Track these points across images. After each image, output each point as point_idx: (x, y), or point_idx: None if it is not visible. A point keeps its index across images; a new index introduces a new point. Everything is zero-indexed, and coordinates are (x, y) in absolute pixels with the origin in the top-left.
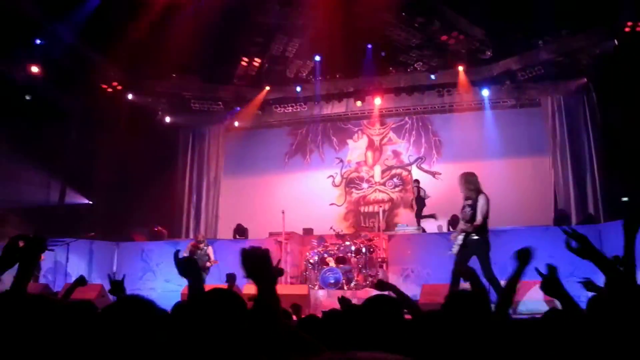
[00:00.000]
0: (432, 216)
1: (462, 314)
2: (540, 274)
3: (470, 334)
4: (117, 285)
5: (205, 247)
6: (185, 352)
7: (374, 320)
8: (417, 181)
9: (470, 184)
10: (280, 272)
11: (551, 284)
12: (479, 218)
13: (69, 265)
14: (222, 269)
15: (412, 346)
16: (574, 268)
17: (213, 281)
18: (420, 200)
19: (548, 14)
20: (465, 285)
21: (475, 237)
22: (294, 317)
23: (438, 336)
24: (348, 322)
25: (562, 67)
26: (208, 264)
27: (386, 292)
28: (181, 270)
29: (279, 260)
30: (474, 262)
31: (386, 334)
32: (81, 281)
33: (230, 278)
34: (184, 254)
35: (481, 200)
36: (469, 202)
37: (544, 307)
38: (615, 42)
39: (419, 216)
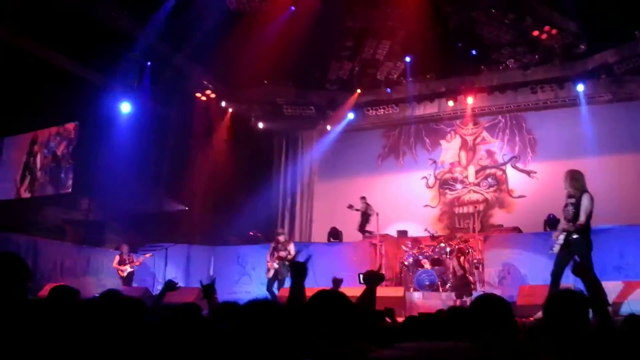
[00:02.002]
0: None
1: (564, 317)
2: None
3: (573, 336)
4: (208, 289)
5: (285, 242)
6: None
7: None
8: (363, 198)
9: (576, 181)
10: (382, 277)
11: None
12: (582, 218)
13: (167, 269)
14: (316, 271)
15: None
16: None
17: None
18: (365, 216)
19: None
20: (565, 285)
21: (577, 237)
22: (388, 320)
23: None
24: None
25: None
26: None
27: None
28: (292, 272)
29: (380, 266)
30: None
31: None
32: (170, 286)
33: (336, 282)
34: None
35: (585, 200)
36: (572, 200)
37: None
38: None
39: (362, 231)
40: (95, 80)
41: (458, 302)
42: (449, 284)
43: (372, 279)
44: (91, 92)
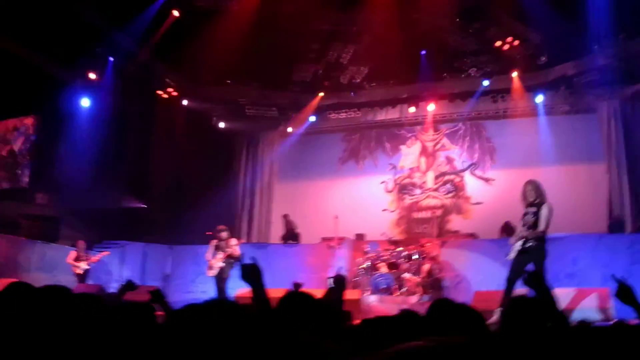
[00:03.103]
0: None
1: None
2: (618, 281)
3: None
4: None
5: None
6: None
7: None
8: (286, 215)
9: (538, 191)
10: (343, 281)
11: (628, 292)
12: (542, 226)
13: (124, 267)
14: (274, 273)
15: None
16: (628, 276)
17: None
18: (290, 232)
19: (605, 19)
20: (518, 291)
21: (534, 244)
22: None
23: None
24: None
25: (618, 72)
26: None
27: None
28: (243, 275)
29: (340, 268)
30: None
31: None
32: (130, 286)
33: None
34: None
35: (545, 210)
36: (533, 209)
37: (598, 316)
38: None
39: (284, 240)
40: (56, 73)
41: (426, 301)
42: (405, 288)
43: (342, 283)
44: (51, 85)
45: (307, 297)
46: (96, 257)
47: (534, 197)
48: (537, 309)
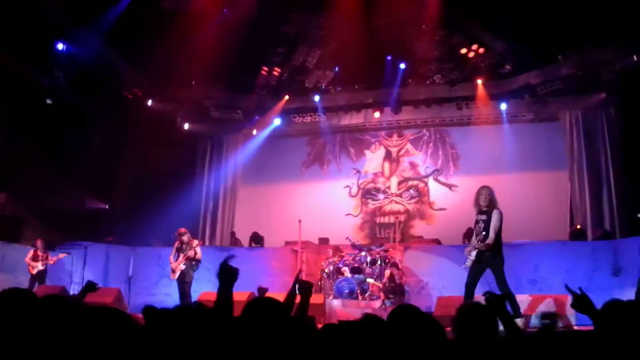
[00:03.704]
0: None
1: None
2: (571, 292)
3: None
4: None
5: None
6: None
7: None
8: (232, 233)
9: (490, 198)
10: (308, 285)
11: (583, 302)
12: (491, 236)
13: (86, 268)
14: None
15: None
16: (589, 283)
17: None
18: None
19: (570, 28)
20: (479, 298)
21: (489, 254)
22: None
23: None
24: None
25: (582, 81)
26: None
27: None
28: (220, 273)
29: (300, 271)
30: (489, 275)
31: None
32: (91, 287)
33: (261, 291)
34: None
35: (495, 216)
36: (483, 217)
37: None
38: (635, 57)
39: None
40: (20, 70)
41: (388, 306)
42: (367, 293)
43: (307, 288)
44: (15, 83)
45: (273, 302)
46: (53, 258)
47: (486, 203)
48: (485, 316)
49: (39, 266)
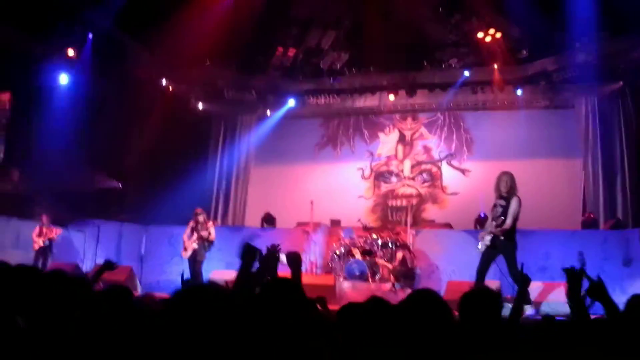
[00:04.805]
0: None
1: (475, 313)
2: (588, 278)
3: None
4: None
5: (204, 222)
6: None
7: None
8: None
9: (510, 184)
10: (297, 256)
11: (599, 289)
12: (508, 221)
13: (99, 247)
14: None
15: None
16: (600, 272)
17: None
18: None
19: (588, 16)
20: (490, 283)
21: (502, 240)
22: (319, 308)
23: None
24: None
25: (599, 70)
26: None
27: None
28: (245, 254)
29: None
30: (500, 261)
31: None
32: (109, 266)
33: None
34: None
35: (514, 204)
36: (502, 202)
37: (566, 309)
38: None
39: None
40: (32, 49)
41: (398, 289)
42: (378, 275)
43: (296, 260)
44: (28, 61)
45: (290, 284)
46: (54, 232)
47: (507, 189)
48: (489, 300)
49: (41, 242)
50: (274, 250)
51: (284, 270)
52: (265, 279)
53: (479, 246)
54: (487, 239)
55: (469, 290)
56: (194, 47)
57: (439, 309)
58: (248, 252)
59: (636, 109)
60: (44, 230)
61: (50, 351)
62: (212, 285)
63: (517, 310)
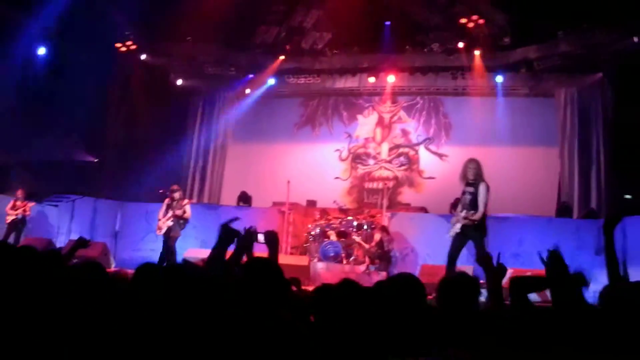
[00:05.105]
0: None
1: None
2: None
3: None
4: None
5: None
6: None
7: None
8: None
9: (477, 170)
10: (274, 235)
11: (556, 258)
12: (480, 210)
13: (73, 222)
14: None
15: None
16: (572, 261)
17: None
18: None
19: (571, 6)
20: (463, 268)
21: (472, 227)
22: (294, 288)
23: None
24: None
25: (580, 60)
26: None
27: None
28: (222, 235)
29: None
30: (470, 247)
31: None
32: (82, 243)
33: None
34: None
35: (482, 191)
36: (470, 189)
37: (536, 298)
38: (635, 39)
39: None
40: (10, 17)
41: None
42: (352, 257)
43: (273, 240)
44: (4, 31)
45: (270, 263)
46: (26, 207)
47: (474, 176)
48: (467, 286)
49: (14, 215)
50: (252, 232)
51: (260, 250)
52: (242, 258)
53: (450, 232)
54: (457, 226)
55: (448, 276)
56: (175, 22)
57: (418, 293)
58: (226, 234)
59: (614, 101)
60: (18, 204)
61: (18, 327)
62: (187, 264)
63: (495, 299)
